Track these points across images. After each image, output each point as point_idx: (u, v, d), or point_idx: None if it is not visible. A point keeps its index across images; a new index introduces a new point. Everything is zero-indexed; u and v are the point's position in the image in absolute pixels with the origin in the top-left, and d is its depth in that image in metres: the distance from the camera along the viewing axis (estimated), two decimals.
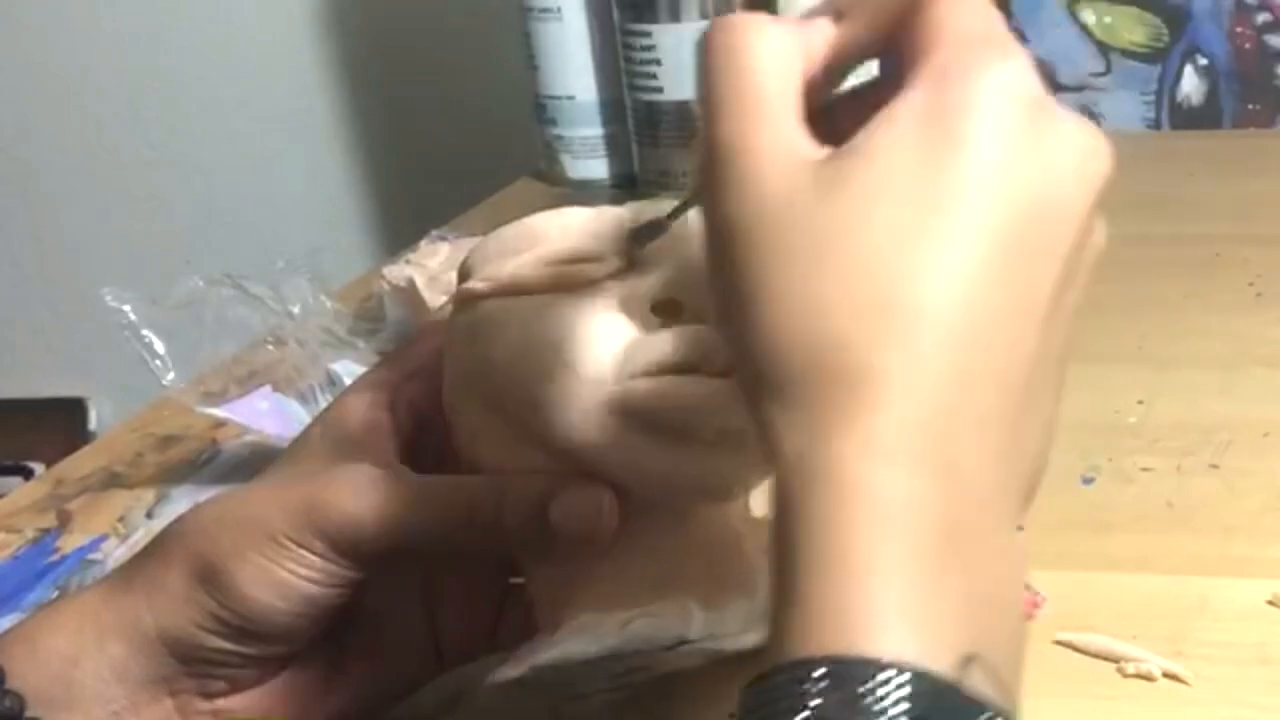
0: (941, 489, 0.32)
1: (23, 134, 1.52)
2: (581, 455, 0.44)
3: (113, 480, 0.75)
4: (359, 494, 0.45)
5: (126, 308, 0.68)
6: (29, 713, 0.45)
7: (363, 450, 0.48)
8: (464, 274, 0.48)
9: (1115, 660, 0.52)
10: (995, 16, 0.36)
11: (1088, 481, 0.65)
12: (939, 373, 0.32)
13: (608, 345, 0.44)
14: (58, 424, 1.55)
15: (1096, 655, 0.53)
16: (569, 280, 0.45)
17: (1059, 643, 0.53)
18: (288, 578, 0.45)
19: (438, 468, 0.48)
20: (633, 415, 0.44)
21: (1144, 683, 0.51)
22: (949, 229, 0.33)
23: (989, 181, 0.33)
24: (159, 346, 0.68)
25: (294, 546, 0.45)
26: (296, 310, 0.72)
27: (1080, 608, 0.55)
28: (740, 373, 0.35)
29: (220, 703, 0.47)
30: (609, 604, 0.45)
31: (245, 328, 0.71)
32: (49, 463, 0.80)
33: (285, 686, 0.48)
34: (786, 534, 0.32)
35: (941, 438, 0.32)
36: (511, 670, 0.45)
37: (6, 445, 1.53)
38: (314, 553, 0.45)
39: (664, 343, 0.44)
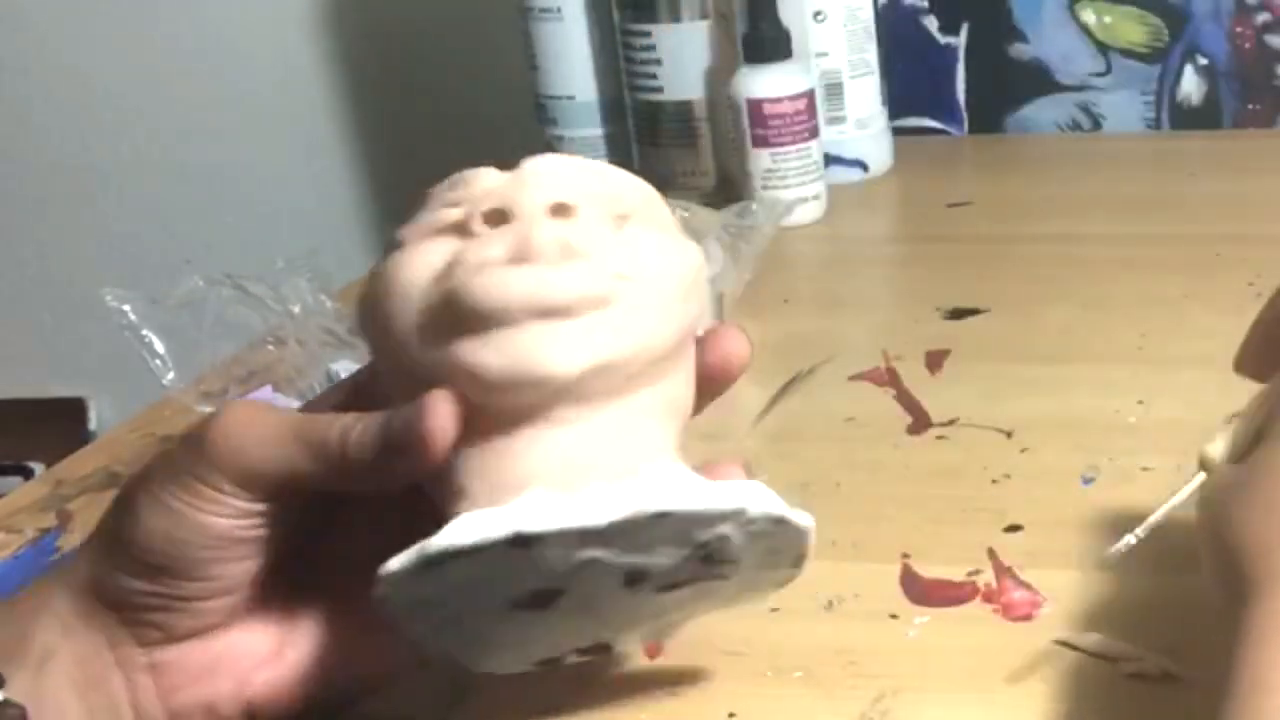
0: None
1: (23, 134, 1.52)
2: (425, 371, 0.46)
3: (113, 480, 0.75)
4: (240, 424, 0.47)
5: (126, 308, 0.68)
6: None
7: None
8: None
9: (1115, 660, 0.52)
10: None
11: (1088, 481, 0.64)
12: None
13: (428, 259, 0.47)
14: (58, 424, 1.55)
15: (1096, 655, 0.53)
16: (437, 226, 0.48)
17: (1059, 643, 0.53)
18: (183, 508, 0.47)
19: None
20: (446, 316, 0.45)
21: (1143, 683, 0.51)
22: None
23: None
24: (159, 346, 0.68)
25: (190, 479, 0.47)
26: (296, 310, 0.72)
27: (1080, 608, 0.55)
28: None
29: (158, 655, 0.48)
30: (490, 499, 0.45)
31: (245, 328, 0.71)
32: (49, 463, 0.80)
33: (229, 645, 0.49)
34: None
35: None
36: (397, 561, 0.44)
37: (6, 445, 1.53)
38: (207, 484, 0.47)
39: (487, 243, 0.46)
